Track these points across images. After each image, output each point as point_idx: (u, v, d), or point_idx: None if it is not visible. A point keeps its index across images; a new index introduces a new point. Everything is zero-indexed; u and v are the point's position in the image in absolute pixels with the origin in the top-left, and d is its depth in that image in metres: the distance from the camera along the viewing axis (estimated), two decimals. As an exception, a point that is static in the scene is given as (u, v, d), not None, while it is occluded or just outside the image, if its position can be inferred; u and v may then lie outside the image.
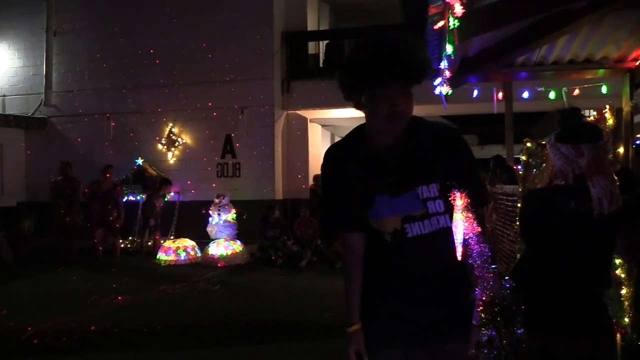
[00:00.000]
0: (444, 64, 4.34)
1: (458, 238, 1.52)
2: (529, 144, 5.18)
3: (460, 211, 1.50)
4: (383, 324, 1.77)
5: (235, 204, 10.33)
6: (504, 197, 6.86)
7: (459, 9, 3.45)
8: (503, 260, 6.96)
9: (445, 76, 4.70)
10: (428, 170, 1.72)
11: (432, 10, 3.67)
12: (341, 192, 1.84)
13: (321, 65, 12.88)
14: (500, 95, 7.92)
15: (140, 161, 11.56)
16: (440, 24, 3.73)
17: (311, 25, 13.56)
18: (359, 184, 1.79)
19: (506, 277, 1.59)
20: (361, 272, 1.83)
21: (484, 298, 1.53)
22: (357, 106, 1.80)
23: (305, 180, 12.09)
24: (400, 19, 15.10)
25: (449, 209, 1.73)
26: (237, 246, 9.48)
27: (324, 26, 15.26)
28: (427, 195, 1.72)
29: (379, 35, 1.66)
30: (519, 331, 1.68)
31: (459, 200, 1.50)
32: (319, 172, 12.56)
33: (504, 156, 9.15)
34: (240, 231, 10.00)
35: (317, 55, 13.30)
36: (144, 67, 11.91)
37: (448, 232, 1.74)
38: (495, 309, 1.49)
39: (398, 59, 1.62)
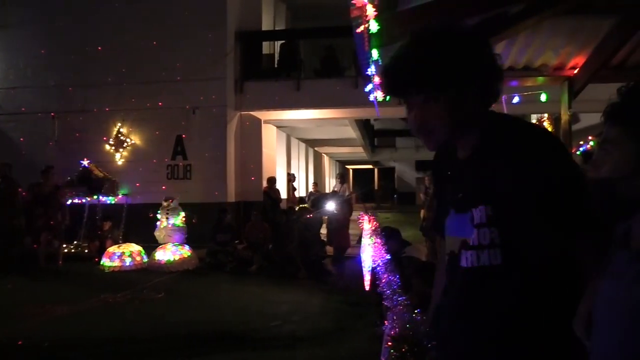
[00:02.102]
0: (371, 70, 4.25)
1: (366, 266, 1.38)
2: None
3: (369, 236, 1.36)
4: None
5: (185, 206, 10.04)
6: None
7: (371, 12, 3.35)
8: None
9: (375, 82, 4.60)
10: (483, 189, 1.38)
11: (354, 12, 3.56)
12: (437, 191, 1.70)
13: (276, 65, 12.71)
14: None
15: (86, 162, 11.11)
16: (362, 27, 3.62)
17: (266, 25, 13.37)
18: (444, 190, 1.61)
19: (416, 310, 1.46)
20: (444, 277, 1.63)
21: (392, 333, 1.40)
22: None
23: (258, 183, 11.90)
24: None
25: (506, 243, 1.33)
26: (185, 251, 9.20)
27: (280, 26, 15.09)
28: (478, 220, 1.38)
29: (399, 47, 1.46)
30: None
31: (367, 224, 1.36)
32: (273, 174, 12.53)
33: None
34: (190, 235, 9.72)
35: (271, 56, 13.12)
36: (91, 65, 11.48)
37: (488, 275, 1.35)
38: (405, 345, 1.37)
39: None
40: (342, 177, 15.16)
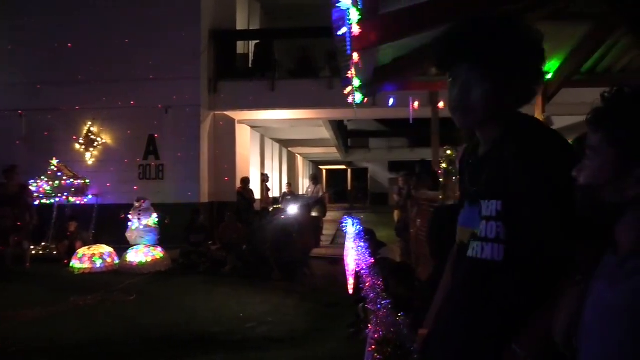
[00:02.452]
0: (351, 72, 4.26)
1: (349, 269, 1.37)
2: (449, 152, 5.23)
3: (352, 239, 1.36)
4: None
5: (157, 207, 9.90)
6: (427, 203, 6.94)
7: (355, 15, 3.36)
8: (426, 266, 7.04)
9: (354, 84, 4.62)
10: (494, 183, 1.41)
11: (336, 15, 3.57)
12: (460, 185, 1.71)
13: (250, 65, 12.64)
14: (416, 104, 8.00)
15: (55, 162, 10.84)
16: (344, 30, 3.63)
17: (241, 24, 13.29)
18: (463, 184, 1.63)
19: (400, 314, 1.46)
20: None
21: (376, 336, 1.40)
22: None
23: (232, 183, 11.82)
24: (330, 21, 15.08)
25: (510, 239, 1.35)
26: (157, 252, 9.07)
27: (255, 26, 15.02)
28: (486, 213, 1.41)
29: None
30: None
31: (351, 228, 1.35)
32: (246, 174, 12.43)
33: (430, 159, 9.31)
34: (162, 236, 9.59)
35: (246, 55, 13.05)
36: (61, 62, 11.22)
37: (490, 270, 1.37)
38: (389, 348, 1.37)
39: (443, 42, 1.46)
40: (315, 178, 15.18)
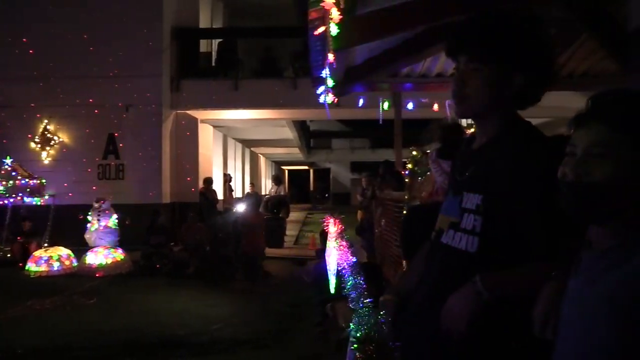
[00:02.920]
0: (325, 72, 4.27)
1: (331, 268, 1.38)
2: (414, 152, 5.29)
3: (334, 239, 1.36)
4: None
5: (118, 208, 9.66)
6: (392, 203, 7.01)
7: (336, 15, 3.37)
8: (390, 266, 7.11)
9: (328, 85, 4.64)
10: (478, 178, 1.45)
11: (313, 14, 3.57)
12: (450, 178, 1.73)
13: (213, 64, 12.51)
14: (385, 105, 8.07)
15: (9, 161, 10.44)
16: (321, 29, 3.64)
17: (204, 23, 13.15)
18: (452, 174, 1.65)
19: (382, 312, 1.47)
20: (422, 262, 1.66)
21: (358, 335, 1.41)
22: None
23: (195, 183, 11.67)
24: (295, 21, 15.09)
25: (485, 233, 1.38)
26: (118, 254, 8.86)
27: (218, 24, 14.88)
28: (466, 205, 1.44)
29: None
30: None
31: (332, 227, 1.36)
32: (209, 174, 12.22)
33: (394, 160, 9.41)
34: (123, 238, 9.37)
35: (209, 54, 12.91)
36: (14, 57, 10.83)
37: (463, 260, 1.40)
38: (371, 346, 1.38)
39: (460, 27, 1.47)
40: (277, 178, 15.16)
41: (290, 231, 15.06)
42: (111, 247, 8.96)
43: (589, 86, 6.83)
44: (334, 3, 3.24)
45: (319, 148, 28.79)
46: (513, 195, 1.35)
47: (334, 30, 3.39)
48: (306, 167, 34.73)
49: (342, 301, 4.50)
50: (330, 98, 4.87)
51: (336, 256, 1.44)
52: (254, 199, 8.25)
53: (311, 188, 33.68)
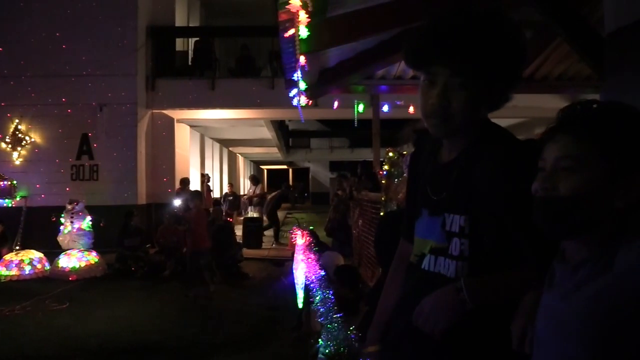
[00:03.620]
0: (297, 75, 4.22)
1: (298, 282, 1.33)
2: (390, 154, 5.27)
3: (302, 252, 1.31)
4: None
5: (92, 209, 9.49)
6: (369, 204, 7.01)
7: (303, 18, 3.32)
8: (368, 267, 7.11)
9: (300, 87, 4.59)
10: (458, 197, 1.32)
11: (282, 16, 3.50)
12: (410, 189, 1.58)
13: (190, 63, 12.37)
14: (360, 107, 8.06)
15: (-22, 161, 10.19)
16: (291, 32, 3.57)
17: (180, 21, 12.98)
18: (419, 191, 1.49)
19: (352, 327, 1.43)
20: (399, 284, 1.53)
21: (327, 351, 1.37)
22: None
23: (171, 184, 11.51)
24: (273, 20, 14.99)
25: (472, 258, 1.28)
26: (92, 257, 8.68)
27: (194, 23, 14.71)
28: (450, 228, 1.33)
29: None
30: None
31: (300, 240, 1.31)
32: (186, 174, 12.00)
33: (372, 160, 9.43)
34: (97, 240, 9.20)
35: (185, 53, 12.76)
36: (-16, 55, 10.53)
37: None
38: (341, 363, 1.34)
39: (431, 35, 1.30)
40: (254, 178, 15.07)
41: (270, 231, 14.98)
42: (85, 250, 8.78)
43: (565, 89, 6.92)
44: (301, 5, 3.19)
45: (298, 147, 28.71)
46: (498, 207, 1.26)
47: (303, 32, 3.33)
48: (285, 167, 34.62)
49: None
50: (303, 100, 4.81)
51: (304, 269, 1.38)
52: (194, 195, 7.69)
53: (290, 187, 33.57)
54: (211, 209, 11.60)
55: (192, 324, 5.87)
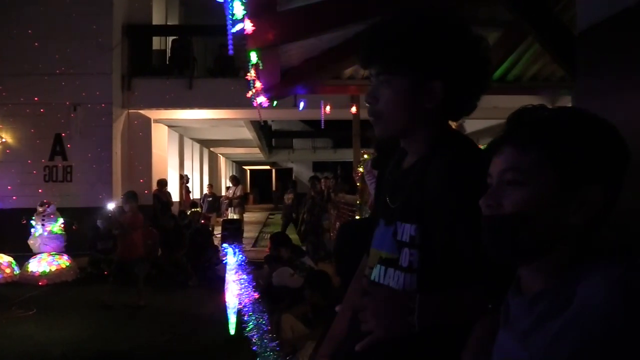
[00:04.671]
0: (251, 74, 4.07)
1: (230, 305, 1.19)
2: (365, 156, 5.17)
3: (233, 271, 1.18)
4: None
5: (65, 212, 9.23)
6: (346, 207, 6.91)
7: (238, 10, 3.16)
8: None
9: (257, 87, 4.43)
10: (410, 204, 1.25)
11: (229, 11, 3.33)
12: (376, 197, 1.53)
13: (167, 62, 12.15)
14: (327, 108, 7.91)
15: (-54, 162, 9.87)
16: (239, 26, 3.41)
17: (157, 19, 12.75)
18: (380, 196, 1.42)
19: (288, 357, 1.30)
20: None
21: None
22: None
23: (148, 185, 11.28)
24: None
25: (421, 270, 1.20)
26: (63, 261, 8.44)
27: (173, 21, 14.49)
28: (401, 237, 1.25)
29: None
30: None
31: (232, 257, 1.17)
32: (164, 176, 11.78)
33: (352, 161, 9.34)
34: (70, 243, 8.95)
35: (163, 52, 12.53)
36: (-48, 52, 10.21)
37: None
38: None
39: (375, 34, 1.27)
40: (234, 179, 14.87)
41: (250, 232, 14.83)
42: (56, 254, 8.54)
43: (539, 90, 6.85)
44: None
45: (281, 148, 28.52)
46: (447, 218, 1.16)
47: (248, 28, 3.19)
48: (268, 167, 34.43)
49: (291, 312, 4.32)
50: (262, 100, 4.66)
51: (236, 292, 1.25)
52: (129, 197, 7.08)
53: (273, 188, 33.37)
54: (189, 212, 11.43)
55: (164, 331, 5.70)
